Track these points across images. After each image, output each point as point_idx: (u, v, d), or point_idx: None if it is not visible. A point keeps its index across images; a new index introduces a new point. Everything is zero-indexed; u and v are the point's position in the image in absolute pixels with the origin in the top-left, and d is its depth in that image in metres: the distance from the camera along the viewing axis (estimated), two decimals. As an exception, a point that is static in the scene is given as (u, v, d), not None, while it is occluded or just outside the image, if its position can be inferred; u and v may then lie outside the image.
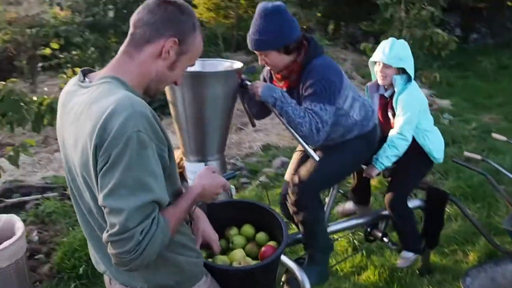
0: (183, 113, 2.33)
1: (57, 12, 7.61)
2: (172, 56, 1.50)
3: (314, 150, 2.58)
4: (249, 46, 2.49)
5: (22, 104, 2.94)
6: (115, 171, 1.30)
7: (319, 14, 10.67)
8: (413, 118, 2.98)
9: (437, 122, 6.51)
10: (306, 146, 2.38)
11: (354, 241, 3.75)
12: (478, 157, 3.62)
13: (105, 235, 1.36)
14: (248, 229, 2.09)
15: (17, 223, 1.79)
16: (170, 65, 1.52)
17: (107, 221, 1.34)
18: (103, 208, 1.35)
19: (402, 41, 3.08)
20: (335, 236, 3.49)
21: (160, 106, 5.99)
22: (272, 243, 1.99)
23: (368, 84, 3.25)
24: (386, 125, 3.15)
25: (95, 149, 1.32)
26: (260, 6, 2.44)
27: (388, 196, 3.13)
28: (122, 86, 1.43)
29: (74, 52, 6.92)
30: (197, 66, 2.45)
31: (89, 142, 1.34)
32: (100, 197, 1.34)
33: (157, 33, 1.47)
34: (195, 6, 12.20)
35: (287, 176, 2.99)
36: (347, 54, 10.17)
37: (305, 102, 2.44)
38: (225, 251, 2.02)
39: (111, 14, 7.20)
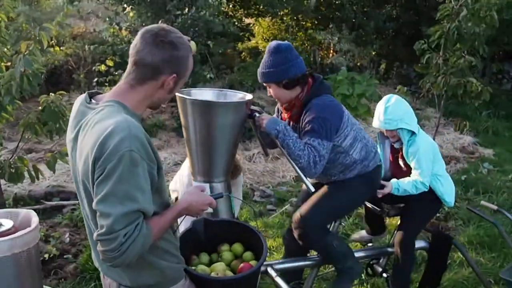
0: (193, 137, 2.57)
1: (117, 31, 8.07)
2: (171, 85, 1.77)
3: (319, 186, 2.79)
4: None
5: (61, 115, 3.27)
6: (108, 181, 1.56)
7: (373, 53, 10.77)
8: (427, 170, 3.13)
9: (475, 171, 6.56)
10: (304, 177, 2.58)
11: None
12: (494, 207, 3.68)
13: (95, 234, 1.61)
14: (237, 247, 2.31)
15: (34, 218, 2.04)
16: (169, 91, 1.80)
17: (98, 223, 1.60)
18: (96, 211, 1.59)
19: (394, 99, 3.18)
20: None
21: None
22: (254, 262, 2.18)
23: (379, 132, 3.40)
24: (397, 171, 3.31)
25: (94, 161, 1.58)
26: (270, 44, 2.71)
27: (398, 235, 3.26)
28: (123, 110, 1.69)
29: (127, 71, 7.33)
30: (212, 96, 2.73)
31: (90, 155, 1.60)
32: (94, 202, 1.60)
33: (158, 72, 1.73)
34: (253, 35, 12.65)
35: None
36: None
37: (304, 137, 2.64)
38: (213, 263, 2.24)
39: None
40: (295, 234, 2.92)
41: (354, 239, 3.79)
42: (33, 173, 3.81)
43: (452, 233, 4.75)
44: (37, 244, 2.05)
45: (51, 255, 4.03)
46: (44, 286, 2.21)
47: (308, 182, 2.58)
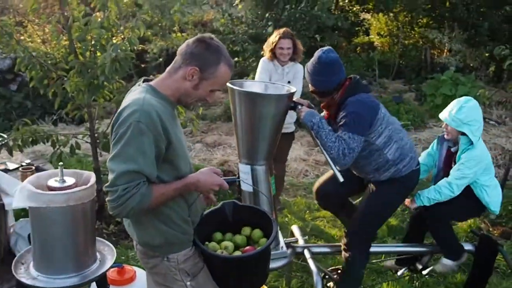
0: (239, 124, 2.88)
1: (228, 22, 8.56)
2: (195, 79, 2.06)
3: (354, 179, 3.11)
4: None
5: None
6: (118, 144, 1.92)
7: (486, 54, 10.33)
8: (465, 177, 3.18)
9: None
10: (334, 167, 2.79)
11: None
12: None
13: (103, 187, 1.96)
14: (257, 232, 2.47)
15: (92, 178, 2.46)
16: (194, 86, 2.08)
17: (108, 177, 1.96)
18: None
19: (473, 103, 3.21)
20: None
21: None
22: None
23: (440, 135, 3.47)
24: (448, 172, 3.36)
25: (112, 126, 1.98)
26: (320, 51, 2.93)
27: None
28: (152, 92, 2.04)
29: (235, 59, 7.77)
30: (261, 88, 3.01)
31: (112, 121, 1.99)
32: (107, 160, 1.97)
33: (186, 62, 2.06)
34: (368, 31, 12.62)
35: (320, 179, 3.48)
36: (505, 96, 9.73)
37: (338, 131, 2.83)
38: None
39: (270, 29, 7.96)
40: (344, 240, 3.24)
41: (385, 265, 3.92)
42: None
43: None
44: (93, 200, 2.46)
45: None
46: (97, 237, 2.63)
47: (338, 172, 2.78)
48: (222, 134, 8.01)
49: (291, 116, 4.23)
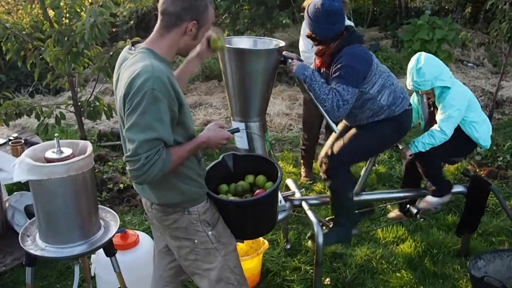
0: (230, 82, 2.86)
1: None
2: (194, 31, 2.07)
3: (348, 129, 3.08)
4: None
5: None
6: (134, 113, 1.91)
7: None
8: (450, 117, 3.22)
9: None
10: (329, 119, 2.81)
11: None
12: None
13: (124, 157, 1.98)
14: (261, 178, 2.58)
15: (89, 147, 2.43)
16: (194, 37, 2.09)
17: (126, 147, 1.97)
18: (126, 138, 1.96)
19: (425, 58, 3.24)
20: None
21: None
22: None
23: None
24: (433, 120, 3.43)
25: (124, 97, 1.94)
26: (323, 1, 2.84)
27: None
28: (152, 55, 2.01)
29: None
30: (249, 44, 2.99)
31: (122, 91, 1.96)
32: (123, 131, 1.97)
33: (181, 19, 2.03)
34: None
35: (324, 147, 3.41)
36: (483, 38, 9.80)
37: (332, 82, 2.84)
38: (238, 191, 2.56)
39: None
40: (322, 167, 3.18)
41: (390, 217, 3.91)
42: (108, 111, 4.31)
43: (510, 182, 4.76)
44: (92, 169, 2.45)
45: (125, 185, 4.58)
46: (99, 205, 2.63)
47: (333, 124, 2.80)
48: (201, 94, 7.98)
49: None
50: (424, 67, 3.21)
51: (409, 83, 3.33)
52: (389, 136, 3.15)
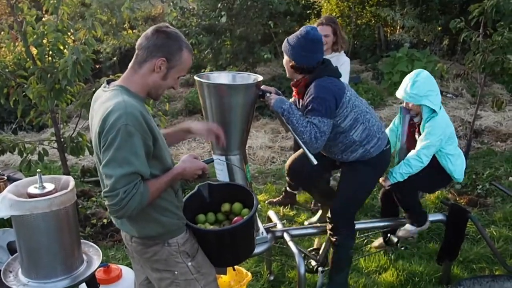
0: (210, 116, 2.93)
1: (180, 16, 8.53)
2: (163, 70, 2.13)
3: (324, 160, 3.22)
4: None
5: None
6: (110, 149, 1.96)
7: (439, 28, 10.56)
8: (432, 145, 3.29)
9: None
10: (307, 151, 2.87)
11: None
12: None
13: (102, 193, 2.02)
14: (237, 205, 2.65)
15: (71, 182, 2.48)
16: (163, 77, 2.15)
17: (104, 183, 2.01)
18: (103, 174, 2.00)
19: (424, 75, 3.32)
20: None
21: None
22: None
23: (402, 105, 3.55)
24: (411, 144, 3.49)
25: (99, 134, 2.00)
26: (305, 28, 2.97)
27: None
28: (125, 92, 2.08)
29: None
30: (228, 79, 3.07)
31: (97, 129, 2.02)
32: (100, 167, 2.01)
33: (151, 55, 2.11)
34: (319, 14, 12.76)
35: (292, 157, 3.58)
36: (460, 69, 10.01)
37: (307, 115, 2.91)
38: (218, 220, 2.65)
39: (223, 19, 7.97)
40: (328, 225, 3.31)
41: (373, 246, 4.01)
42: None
43: (490, 209, 4.84)
44: (74, 204, 2.48)
45: (109, 220, 4.57)
46: (82, 240, 2.66)
47: (311, 156, 2.86)
48: (185, 128, 8.01)
49: None
50: (420, 82, 3.27)
51: (400, 93, 3.37)
52: (373, 181, 3.30)
